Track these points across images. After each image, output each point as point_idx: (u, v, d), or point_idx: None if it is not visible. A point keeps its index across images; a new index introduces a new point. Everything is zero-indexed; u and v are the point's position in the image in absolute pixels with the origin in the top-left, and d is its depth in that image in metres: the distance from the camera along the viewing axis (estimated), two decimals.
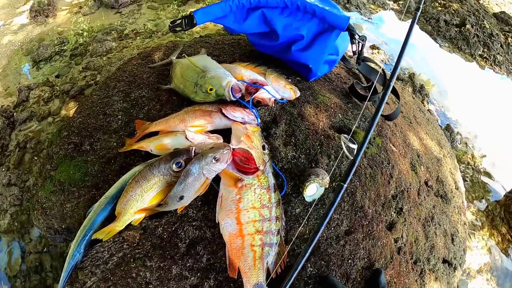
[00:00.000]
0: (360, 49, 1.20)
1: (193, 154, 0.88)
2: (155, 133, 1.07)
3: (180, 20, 1.18)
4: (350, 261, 0.99)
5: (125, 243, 0.96)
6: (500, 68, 2.78)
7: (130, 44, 2.30)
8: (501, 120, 2.40)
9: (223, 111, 1.02)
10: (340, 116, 1.24)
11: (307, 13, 1.16)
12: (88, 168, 1.12)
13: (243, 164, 0.91)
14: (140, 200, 0.90)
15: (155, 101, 1.24)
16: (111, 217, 0.96)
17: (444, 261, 1.24)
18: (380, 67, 1.32)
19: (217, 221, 0.91)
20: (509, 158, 2.19)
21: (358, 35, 1.15)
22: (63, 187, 1.11)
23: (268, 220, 0.89)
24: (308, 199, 0.97)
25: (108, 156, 1.12)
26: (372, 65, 1.30)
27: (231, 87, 1.04)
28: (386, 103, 1.43)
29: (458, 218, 1.37)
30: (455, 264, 1.26)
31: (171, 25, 1.19)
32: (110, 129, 1.19)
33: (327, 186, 0.97)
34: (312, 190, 0.95)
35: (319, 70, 1.29)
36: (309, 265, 0.95)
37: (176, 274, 0.93)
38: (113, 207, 0.96)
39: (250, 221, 0.87)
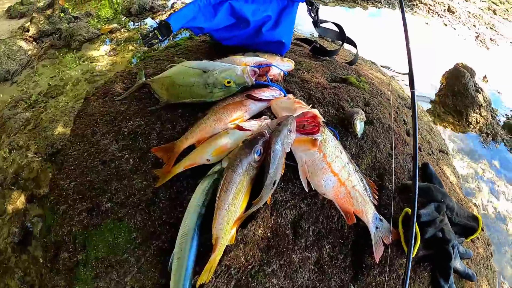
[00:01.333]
0: (316, 14, 1.39)
1: (267, 135, 0.86)
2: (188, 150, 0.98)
3: (153, 32, 1.12)
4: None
5: (232, 269, 0.85)
6: None
7: (46, 107, 1.91)
8: None
9: (254, 95, 1.02)
10: (327, 71, 1.40)
11: None
12: (128, 223, 0.91)
13: (307, 127, 0.95)
14: (235, 210, 0.81)
15: (159, 123, 1.11)
16: (199, 254, 0.83)
17: (440, 150, 1.56)
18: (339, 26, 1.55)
19: (313, 188, 0.91)
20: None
21: (313, 2, 1.34)
22: (109, 263, 0.87)
23: (348, 163, 0.95)
24: (359, 134, 1.08)
25: (145, 199, 0.94)
26: (329, 25, 1.52)
27: (248, 72, 1.05)
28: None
29: (426, 118, 1.75)
30: (446, 151, 1.61)
31: (144, 40, 1.11)
32: (124, 172, 1.00)
33: (365, 119, 1.11)
34: (360, 126, 1.07)
35: (289, 43, 1.43)
36: None
37: (299, 260, 0.89)
38: (199, 240, 0.83)
39: (341, 168, 0.92)
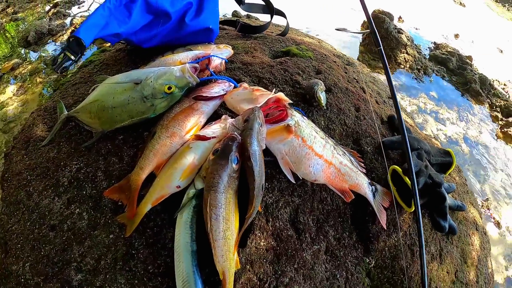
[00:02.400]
0: None
1: (239, 138, 0.75)
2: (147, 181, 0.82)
3: (63, 53, 0.94)
4: None
5: None
6: None
7: None
8: None
9: (202, 95, 0.88)
10: (265, 48, 1.32)
11: None
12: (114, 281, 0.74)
13: (274, 115, 0.86)
14: (231, 233, 0.70)
15: (101, 159, 0.91)
16: None
17: (389, 97, 1.63)
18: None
19: (301, 177, 0.84)
20: None
21: None
22: None
23: (326, 140, 0.90)
24: (324, 105, 1.04)
25: (120, 255, 0.77)
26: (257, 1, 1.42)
27: (189, 70, 0.90)
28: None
29: (366, 70, 1.81)
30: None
31: (55, 66, 0.93)
32: (82, 232, 0.81)
33: (325, 88, 1.07)
34: (323, 97, 1.03)
35: (218, 27, 1.30)
36: None
37: (311, 256, 0.83)
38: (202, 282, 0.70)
39: (323, 148, 0.86)
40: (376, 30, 0.96)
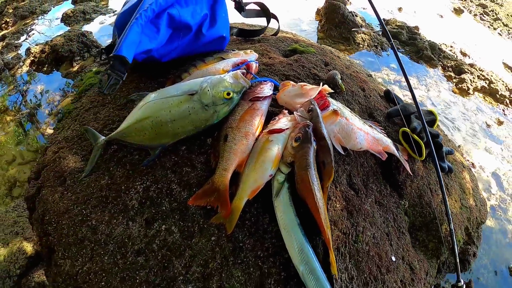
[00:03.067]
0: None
1: (311, 124, 0.94)
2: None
3: (108, 74, 0.99)
4: None
5: (341, 248, 0.96)
6: None
7: None
8: None
9: (258, 96, 1.04)
10: (275, 49, 1.50)
11: None
12: (233, 286, 0.86)
13: (320, 104, 1.06)
14: (323, 202, 0.90)
15: (169, 172, 0.98)
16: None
17: (368, 75, 1.95)
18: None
19: (349, 149, 1.08)
20: None
21: None
22: None
23: (357, 116, 1.15)
24: (345, 91, 1.27)
25: (227, 253, 0.88)
26: (253, 6, 1.57)
27: (241, 76, 1.05)
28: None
29: (342, 55, 2.10)
30: (370, 74, 2.02)
31: (102, 88, 1.00)
32: (178, 245, 0.89)
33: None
34: (342, 83, 1.26)
35: (229, 35, 1.43)
36: None
37: (369, 207, 1.08)
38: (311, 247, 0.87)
39: (359, 122, 1.11)
40: (386, 29, 1.21)
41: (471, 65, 2.55)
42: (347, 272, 0.93)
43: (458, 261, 1.13)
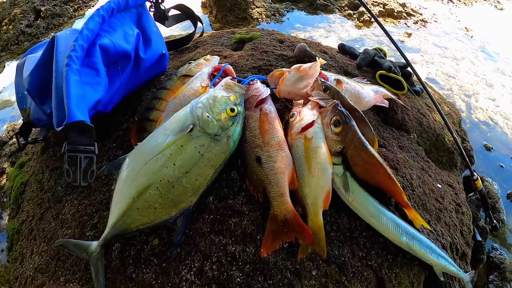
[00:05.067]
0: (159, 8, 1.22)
1: (339, 102, 0.88)
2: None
3: (69, 157, 0.73)
4: None
5: None
6: None
7: None
8: None
9: (262, 99, 0.92)
10: (220, 48, 1.36)
11: (120, 11, 0.99)
12: None
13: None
14: None
15: (213, 236, 0.81)
16: None
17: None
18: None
19: (360, 110, 1.07)
20: None
21: None
22: None
23: (350, 79, 1.15)
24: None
25: (337, 265, 0.80)
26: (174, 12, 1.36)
27: (233, 83, 0.90)
28: None
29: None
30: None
31: (76, 180, 0.74)
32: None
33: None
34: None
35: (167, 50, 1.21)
36: None
37: (397, 155, 1.12)
38: None
39: (356, 84, 1.11)
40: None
41: None
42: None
43: (467, 159, 1.29)
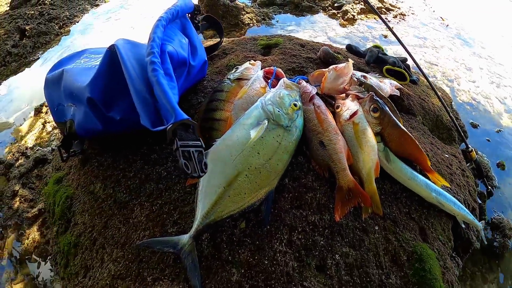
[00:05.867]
0: (193, 20, 1.42)
1: (373, 93, 1.17)
2: None
3: (181, 154, 0.76)
4: None
5: None
6: None
7: None
8: None
9: (312, 95, 1.18)
10: (255, 53, 1.60)
11: (173, 21, 1.18)
12: None
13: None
14: None
15: (295, 209, 1.05)
16: None
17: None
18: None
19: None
20: None
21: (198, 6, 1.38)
22: None
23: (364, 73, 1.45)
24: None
25: (391, 225, 1.08)
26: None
27: (291, 83, 1.16)
28: None
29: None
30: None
31: (196, 171, 0.76)
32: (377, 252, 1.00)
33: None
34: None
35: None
36: None
37: (409, 128, 1.43)
38: None
39: (375, 77, 1.41)
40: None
41: None
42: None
43: (462, 134, 1.65)
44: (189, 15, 1.38)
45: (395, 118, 1.14)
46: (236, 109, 1.15)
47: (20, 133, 2.32)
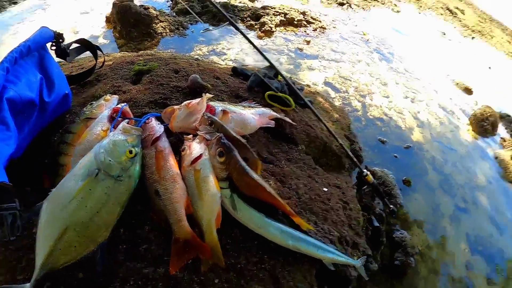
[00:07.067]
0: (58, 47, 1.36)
1: (222, 135, 1.15)
2: None
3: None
4: None
5: None
6: None
7: None
8: None
9: (156, 137, 1.14)
10: (123, 80, 1.53)
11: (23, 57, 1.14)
12: None
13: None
14: None
15: (129, 261, 1.01)
16: None
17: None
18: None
19: (248, 136, 1.37)
20: None
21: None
22: None
23: (233, 105, 1.45)
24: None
25: (238, 271, 1.06)
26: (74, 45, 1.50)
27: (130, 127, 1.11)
28: None
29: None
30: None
31: (5, 235, 0.83)
32: None
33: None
34: None
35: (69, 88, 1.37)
36: None
37: (290, 166, 1.45)
38: None
39: (240, 109, 1.41)
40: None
41: (264, 8, 3.30)
42: (311, 222, 1.29)
43: (355, 159, 1.71)
44: (52, 43, 1.32)
45: (242, 163, 1.13)
46: (75, 156, 1.12)
47: None
